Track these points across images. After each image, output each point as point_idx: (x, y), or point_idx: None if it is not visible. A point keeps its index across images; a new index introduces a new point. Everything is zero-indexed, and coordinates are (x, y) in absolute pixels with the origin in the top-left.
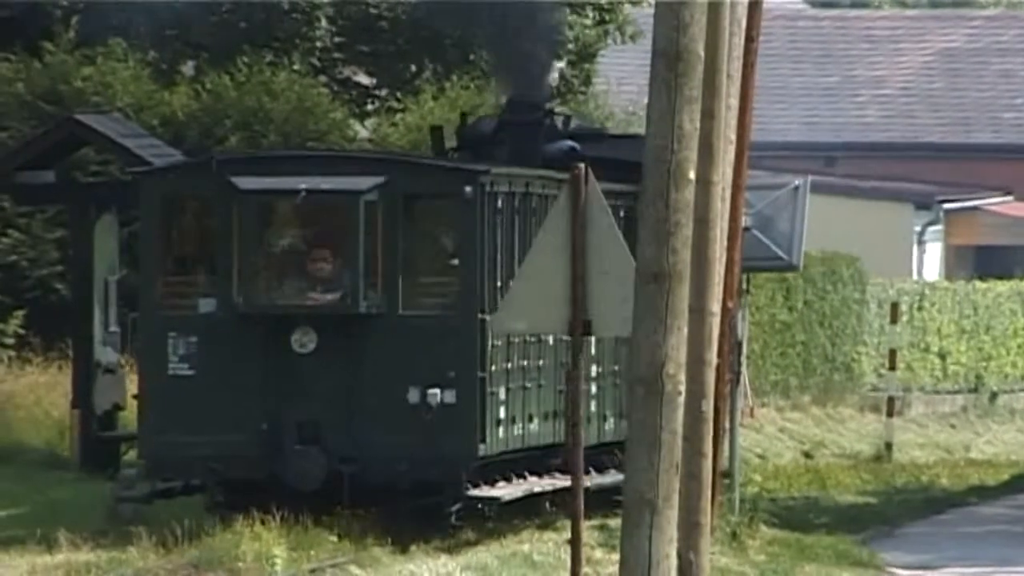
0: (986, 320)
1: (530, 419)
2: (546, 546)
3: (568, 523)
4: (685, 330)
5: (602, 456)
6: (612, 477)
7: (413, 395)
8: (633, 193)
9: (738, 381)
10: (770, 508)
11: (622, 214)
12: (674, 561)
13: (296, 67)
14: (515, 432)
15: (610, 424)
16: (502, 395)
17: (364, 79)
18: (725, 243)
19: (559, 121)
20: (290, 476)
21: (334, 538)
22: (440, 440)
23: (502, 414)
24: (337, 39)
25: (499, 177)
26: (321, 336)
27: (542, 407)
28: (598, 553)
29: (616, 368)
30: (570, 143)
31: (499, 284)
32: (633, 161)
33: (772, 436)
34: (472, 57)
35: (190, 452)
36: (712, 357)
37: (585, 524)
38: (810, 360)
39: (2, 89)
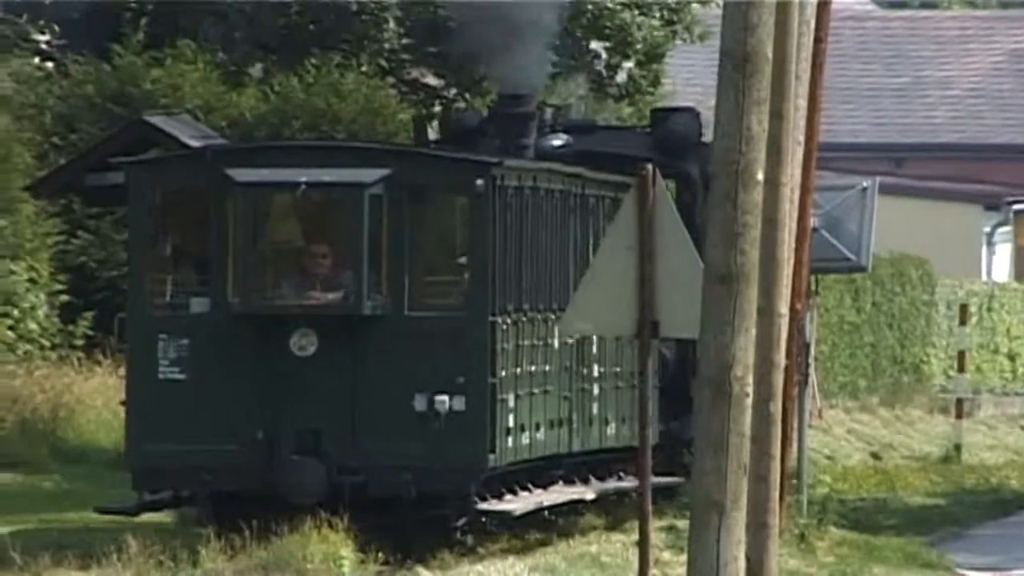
0: None
1: (537, 427)
2: (614, 547)
3: (636, 524)
4: (753, 331)
5: (606, 464)
6: (615, 484)
7: (419, 402)
8: (623, 184)
9: (806, 383)
10: (838, 510)
11: (611, 204)
12: (742, 563)
13: (364, 69)
14: (523, 441)
15: (612, 429)
16: (511, 402)
17: (432, 80)
18: (793, 244)
19: (550, 114)
20: (287, 488)
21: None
22: (448, 450)
23: (511, 422)
24: (405, 41)
25: (510, 170)
26: (321, 338)
27: (548, 415)
28: (666, 555)
29: (618, 370)
30: (563, 136)
31: (510, 282)
32: (623, 153)
33: (840, 437)
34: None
35: (180, 462)
36: (780, 359)
37: (653, 525)
38: (879, 361)
39: (72, 91)
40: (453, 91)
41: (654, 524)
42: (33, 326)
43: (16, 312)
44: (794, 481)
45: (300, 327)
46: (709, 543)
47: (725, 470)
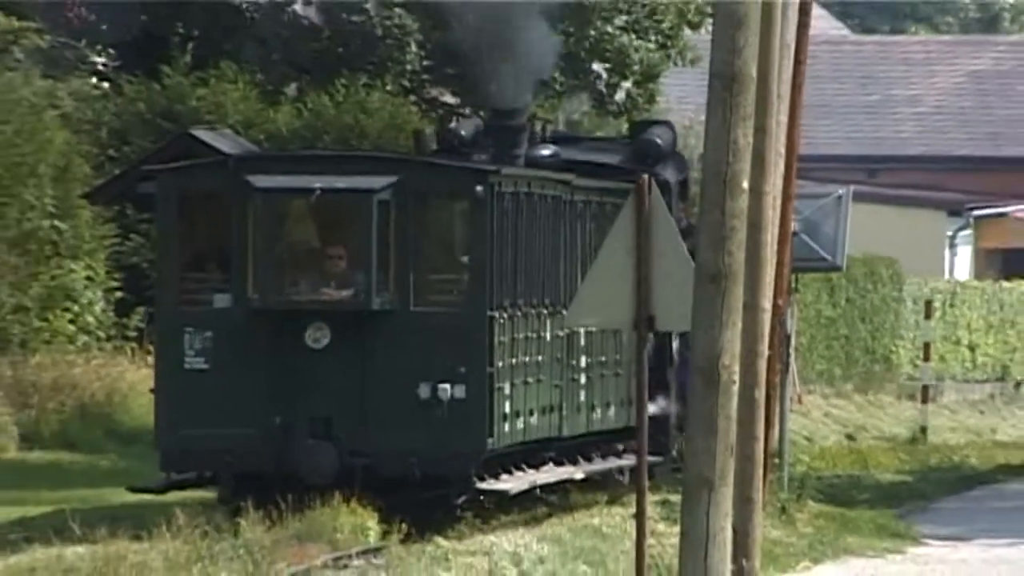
0: (1011, 316)
1: (531, 413)
2: (614, 519)
3: (633, 498)
4: (739, 325)
5: (596, 445)
6: (610, 463)
7: (424, 390)
8: (607, 189)
9: (787, 371)
10: (816, 485)
11: (597, 208)
12: (729, 534)
13: (388, 88)
14: (518, 426)
15: (597, 414)
16: (507, 390)
17: (450, 99)
18: (775, 246)
19: (539, 126)
20: (302, 470)
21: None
22: (450, 434)
23: (507, 409)
24: (425, 63)
25: (507, 177)
26: (334, 332)
27: (540, 402)
28: (661, 526)
29: (603, 360)
30: (552, 147)
31: (507, 281)
32: (605, 162)
33: (818, 420)
34: (548, 78)
35: (204, 445)
36: (764, 349)
37: (649, 500)
38: (852, 352)
39: (125, 109)
40: (468, 109)
41: (650, 498)
42: (91, 319)
43: (76, 307)
44: (776, 460)
45: (314, 321)
46: (700, 516)
47: (714, 450)
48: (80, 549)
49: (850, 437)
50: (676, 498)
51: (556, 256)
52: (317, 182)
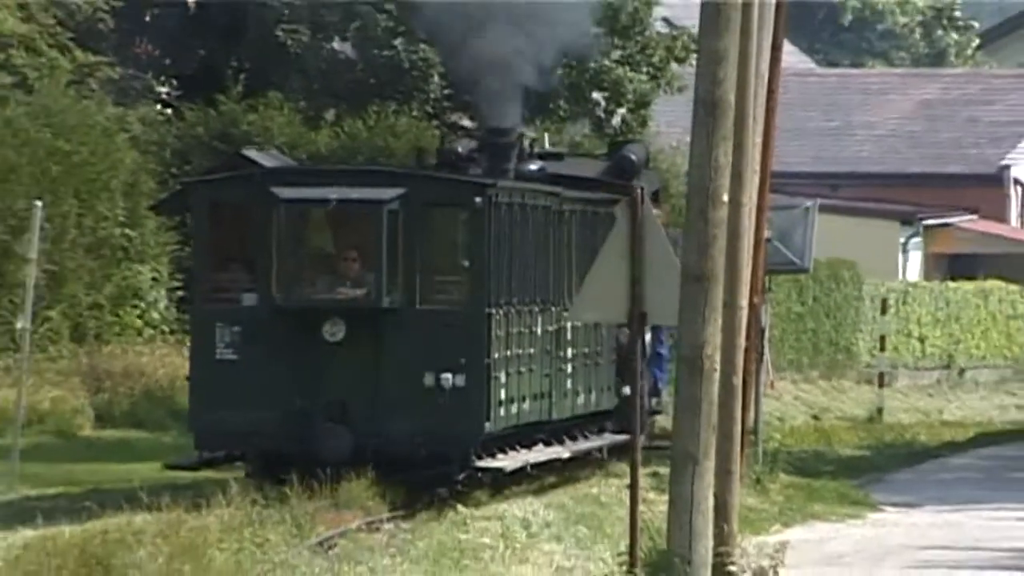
0: (956, 312)
1: (523, 399)
2: (610, 489)
3: (628, 471)
4: (720, 320)
5: (576, 427)
6: (593, 443)
7: (428, 379)
8: (590, 200)
9: (762, 360)
10: (786, 459)
11: (581, 217)
12: (711, 501)
13: (414, 114)
14: (512, 411)
15: (581, 399)
16: (503, 379)
17: (468, 123)
18: (752, 251)
19: (528, 143)
20: (321, 450)
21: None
22: (451, 418)
23: (503, 395)
24: (446, 91)
25: (503, 190)
26: (348, 327)
27: (532, 389)
28: (651, 495)
29: (587, 351)
30: (538, 162)
31: (502, 282)
32: (584, 176)
33: (788, 403)
34: (551, 105)
35: (233, 427)
36: (741, 342)
37: (641, 472)
38: (818, 344)
39: (186, 132)
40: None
41: (642, 471)
42: (156, 315)
43: (143, 304)
44: (752, 437)
45: (331, 317)
46: (686, 486)
47: (698, 429)
48: (148, 516)
49: (816, 417)
50: (665, 471)
51: (546, 260)
52: (333, 193)
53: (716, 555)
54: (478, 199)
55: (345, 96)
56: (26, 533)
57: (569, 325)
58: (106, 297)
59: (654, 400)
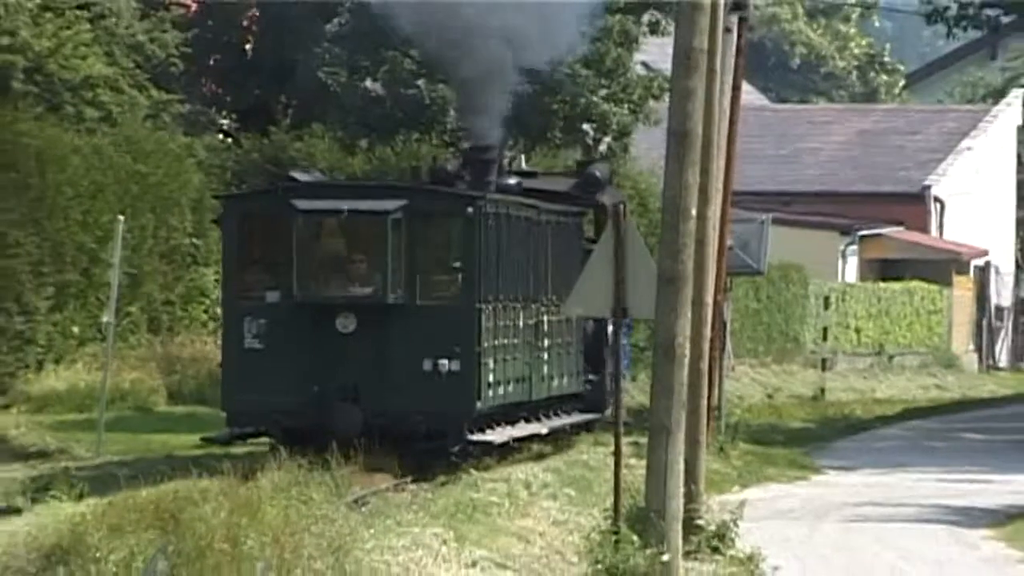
0: (886, 308)
1: (508, 383)
2: (597, 456)
3: (612, 441)
4: (689, 315)
5: (552, 407)
6: (565, 420)
7: (427, 364)
8: (563, 211)
9: (724, 348)
10: (745, 431)
11: (555, 226)
12: (682, 466)
13: (434, 142)
14: (499, 392)
15: (556, 383)
16: (491, 365)
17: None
18: (716, 257)
19: (507, 161)
20: (335, 426)
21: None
22: (447, 398)
23: (491, 379)
24: (460, 123)
25: (491, 202)
26: (358, 320)
27: (515, 374)
28: (632, 460)
29: (560, 342)
30: (516, 178)
31: (490, 280)
32: (553, 190)
33: (746, 384)
34: (548, 135)
35: (260, 407)
36: (707, 333)
37: (624, 441)
38: (771, 334)
39: (243, 157)
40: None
41: (624, 440)
42: (219, 310)
43: (207, 301)
44: (716, 412)
45: (343, 311)
46: (661, 453)
47: (671, 406)
48: (213, 480)
49: (769, 396)
50: (643, 440)
51: (526, 263)
52: (345, 205)
53: (686, 511)
54: (469, 209)
55: (376, 127)
56: (111, 492)
57: (545, 319)
58: (177, 296)
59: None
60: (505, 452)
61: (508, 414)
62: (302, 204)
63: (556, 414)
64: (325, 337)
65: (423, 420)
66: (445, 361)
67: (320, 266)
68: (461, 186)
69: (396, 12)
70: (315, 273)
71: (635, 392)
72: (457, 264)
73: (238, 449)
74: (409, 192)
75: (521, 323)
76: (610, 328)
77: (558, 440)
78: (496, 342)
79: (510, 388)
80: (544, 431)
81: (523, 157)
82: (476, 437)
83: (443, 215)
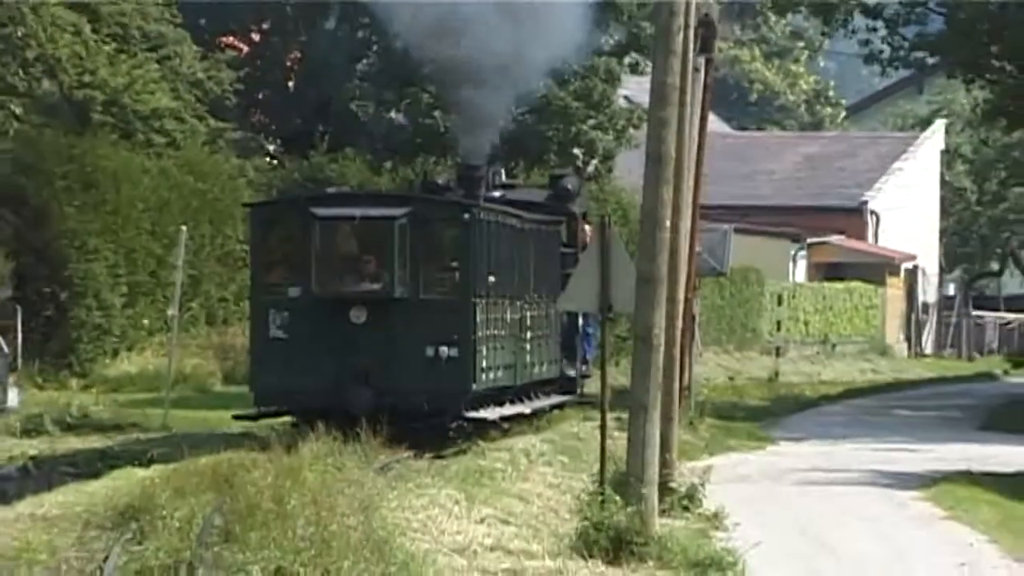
0: (830, 304)
1: (497, 368)
2: (587, 429)
3: (598, 417)
4: (664, 309)
5: (534, 389)
6: (544, 402)
7: (429, 351)
8: (542, 220)
9: (693, 338)
10: (711, 408)
11: (536, 232)
12: (657, 438)
13: (449, 163)
14: (491, 376)
15: (537, 369)
16: (484, 352)
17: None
18: (686, 261)
19: (491, 176)
20: (349, 405)
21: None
22: (447, 381)
23: (484, 364)
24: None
25: (483, 210)
26: (369, 312)
27: (503, 361)
28: (616, 433)
29: (540, 334)
30: (500, 189)
31: (484, 278)
32: (532, 201)
33: (712, 368)
34: (544, 157)
35: (283, 389)
36: (679, 325)
37: (609, 418)
38: (733, 326)
39: (287, 176)
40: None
41: (609, 417)
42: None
43: None
44: (686, 392)
45: (356, 305)
46: (639, 427)
47: (648, 387)
48: (259, 448)
49: (731, 378)
50: (625, 416)
51: (512, 263)
52: (357, 212)
53: (661, 476)
54: (466, 216)
55: (399, 151)
56: (174, 460)
57: (528, 314)
58: (230, 293)
59: (584, 367)
60: (505, 426)
61: (497, 396)
62: (320, 211)
63: (536, 396)
64: (340, 327)
65: (425, 399)
66: (445, 348)
67: (335, 265)
68: (450, 196)
69: (403, 56)
70: (331, 271)
71: (618, 375)
72: (454, 263)
73: (287, 422)
74: (413, 200)
75: (508, 317)
76: (581, 320)
77: (550, 415)
78: (488, 333)
79: (499, 373)
80: (528, 411)
81: (503, 171)
82: (471, 414)
83: (442, 220)
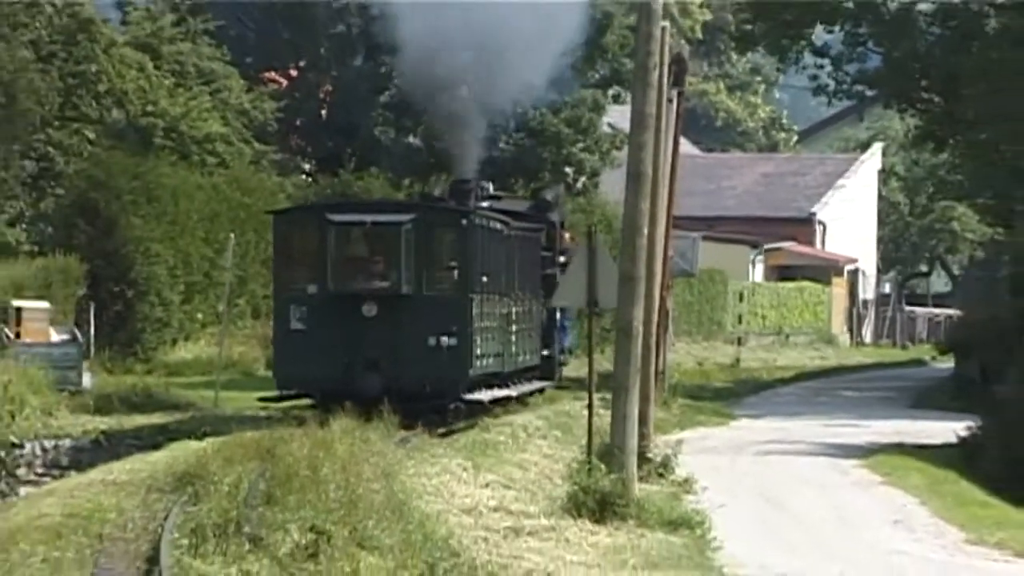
0: (783, 300)
1: (489, 357)
2: (576, 408)
3: (585, 397)
4: (642, 305)
5: (518, 376)
6: (528, 387)
7: (431, 341)
8: (526, 227)
9: (667, 329)
10: (682, 389)
11: (521, 238)
12: (636, 415)
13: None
14: (484, 363)
15: (520, 358)
16: (478, 342)
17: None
18: (662, 264)
19: (479, 189)
20: (360, 389)
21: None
22: (447, 367)
23: (478, 353)
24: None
25: (479, 216)
26: (379, 307)
27: (493, 350)
28: (601, 411)
29: (524, 327)
30: (488, 200)
31: (479, 277)
32: (514, 211)
33: (683, 355)
34: (540, 175)
35: (302, 374)
36: (655, 318)
37: (595, 398)
38: (701, 319)
39: (320, 192)
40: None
41: (595, 397)
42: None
43: None
44: (661, 376)
45: (367, 300)
46: (621, 405)
47: (628, 371)
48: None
49: (699, 364)
50: (609, 396)
51: (501, 264)
52: (368, 218)
53: (640, 447)
54: (463, 221)
55: (416, 171)
56: (224, 433)
57: (513, 309)
58: (271, 291)
59: (561, 356)
60: (501, 406)
61: (488, 381)
62: (335, 217)
63: (520, 382)
64: (352, 320)
65: (428, 384)
66: (445, 338)
67: (349, 265)
68: (449, 205)
69: (403, 84)
70: (345, 271)
71: (602, 361)
72: (453, 264)
73: (287, 405)
74: (417, 208)
75: (497, 311)
76: (558, 317)
77: (545, 396)
78: (482, 325)
79: (491, 361)
80: (515, 394)
81: (490, 185)
82: (468, 397)
83: (443, 226)
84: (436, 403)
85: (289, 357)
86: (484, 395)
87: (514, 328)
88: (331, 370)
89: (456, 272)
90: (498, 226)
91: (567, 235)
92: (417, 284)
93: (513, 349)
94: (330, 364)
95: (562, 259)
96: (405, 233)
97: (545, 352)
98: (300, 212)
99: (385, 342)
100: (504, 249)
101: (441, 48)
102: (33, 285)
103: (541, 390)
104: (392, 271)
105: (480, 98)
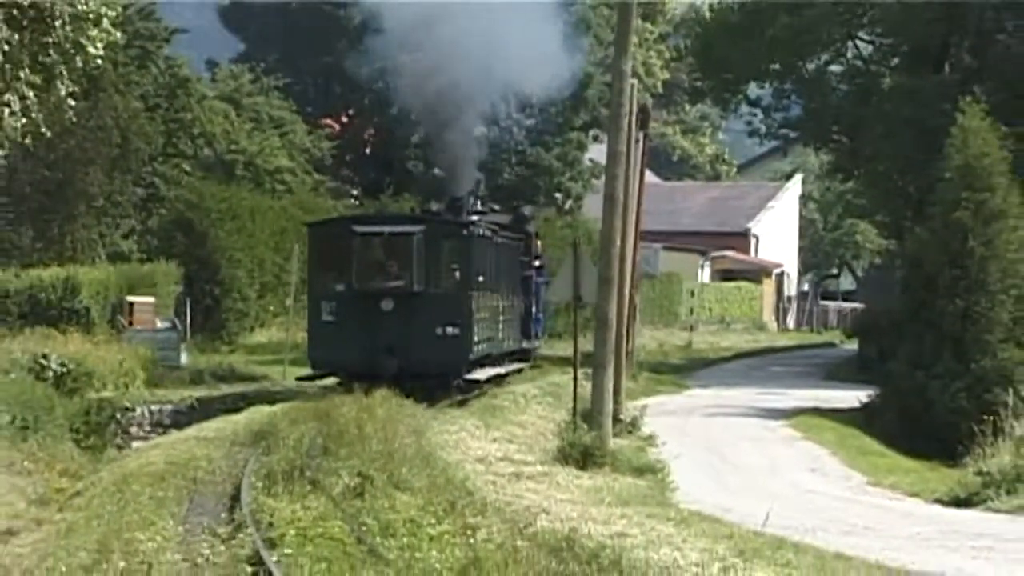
0: (725, 296)
1: (483, 342)
2: (563, 379)
3: (570, 371)
4: (616, 300)
5: (504, 358)
6: (513, 366)
7: (438, 330)
8: (510, 236)
9: (635, 318)
10: (647, 366)
11: (506, 246)
12: (611, 385)
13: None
14: (480, 348)
15: (506, 343)
16: (476, 331)
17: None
18: (631, 267)
19: (470, 204)
20: (380, 370)
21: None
22: (451, 352)
23: (476, 339)
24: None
25: (478, 227)
26: (395, 302)
27: (487, 337)
28: (584, 383)
29: (509, 318)
30: (477, 214)
31: (478, 278)
32: (499, 223)
33: (648, 339)
34: (534, 199)
35: (332, 359)
36: (626, 310)
37: (580, 373)
38: (662, 311)
39: (365, 212)
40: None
41: (580, 372)
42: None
43: None
44: (630, 355)
45: (385, 297)
46: (599, 378)
47: (605, 352)
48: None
49: (660, 345)
50: (590, 371)
51: (492, 267)
52: (386, 228)
53: (614, 411)
54: (465, 231)
55: (439, 196)
56: (290, 400)
57: (501, 303)
58: None
59: (536, 343)
60: (498, 381)
61: (482, 362)
62: (358, 228)
63: (504, 363)
64: (373, 313)
65: (435, 366)
66: (450, 328)
67: (370, 267)
68: (450, 217)
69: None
70: (367, 272)
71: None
72: (456, 266)
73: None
74: (426, 221)
75: (490, 306)
76: (534, 310)
77: (536, 370)
78: (479, 317)
79: (484, 346)
80: (503, 372)
81: (479, 202)
82: (468, 376)
83: (448, 235)
84: (441, 381)
85: (321, 343)
86: (480, 374)
87: (501, 319)
88: (355, 354)
89: (458, 273)
90: (490, 235)
91: (539, 243)
92: (426, 283)
93: (501, 336)
94: (355, 349)
95: (537, 263)
96: (416, 241)
97: (523, 339)
98: (331, 224)
99: (400, 331)
100: (494, 255)
101: (435, 105)
102: (142, 284)
103: (520, 370)
104: (406, 272)
105: (471, 134)
